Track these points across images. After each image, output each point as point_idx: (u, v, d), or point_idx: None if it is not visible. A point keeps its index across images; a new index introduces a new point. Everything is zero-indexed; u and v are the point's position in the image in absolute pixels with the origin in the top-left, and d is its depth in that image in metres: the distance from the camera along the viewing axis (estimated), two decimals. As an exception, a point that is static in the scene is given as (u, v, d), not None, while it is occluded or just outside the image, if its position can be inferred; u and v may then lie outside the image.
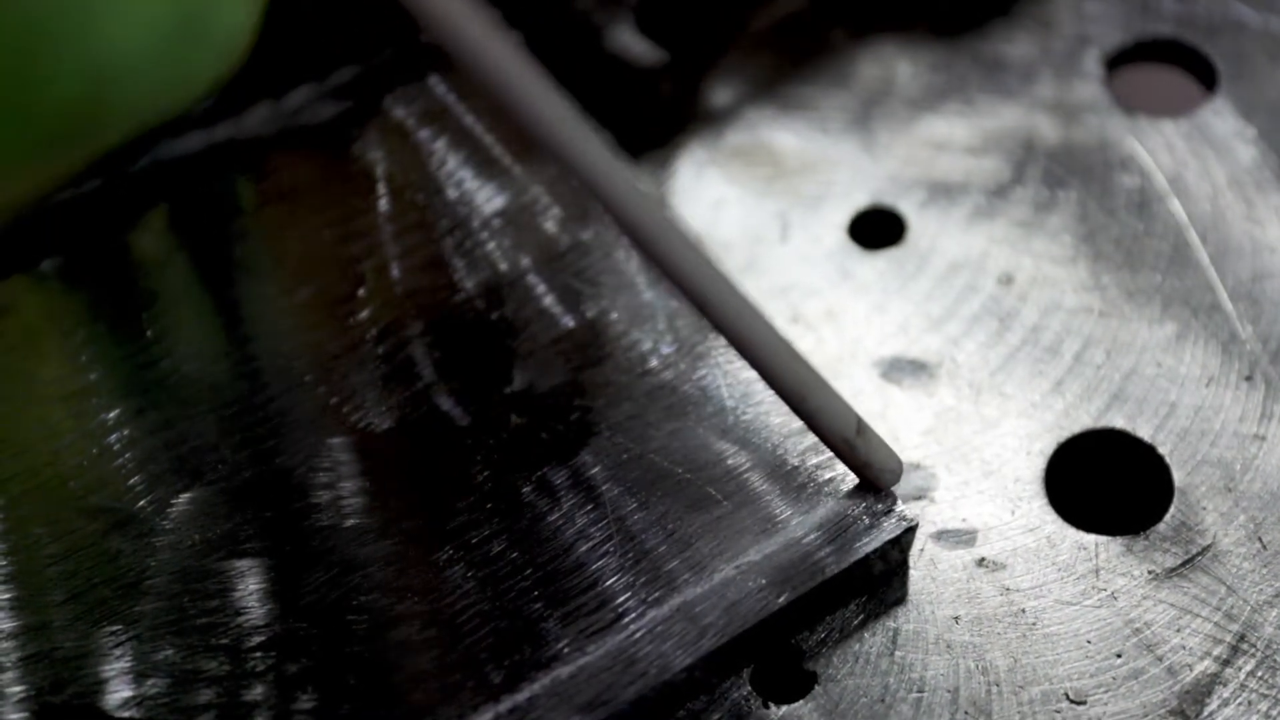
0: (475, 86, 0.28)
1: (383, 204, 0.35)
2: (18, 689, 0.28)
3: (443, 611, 0.29)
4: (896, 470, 0.30)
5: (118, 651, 0.28)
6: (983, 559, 0.31)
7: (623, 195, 0.26)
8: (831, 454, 0.30)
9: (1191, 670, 0.29)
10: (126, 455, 0.31)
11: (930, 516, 0.31)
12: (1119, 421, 0.33)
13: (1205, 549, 0.31)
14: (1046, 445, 0.32)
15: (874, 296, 0.35)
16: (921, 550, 0.31)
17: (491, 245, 0.34)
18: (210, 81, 0.29)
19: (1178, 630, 0.30)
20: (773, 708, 0.29)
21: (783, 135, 0.38)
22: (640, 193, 0.26)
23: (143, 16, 0.26)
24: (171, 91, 0.28)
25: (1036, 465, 0.32)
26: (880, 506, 0.30)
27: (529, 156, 0.35)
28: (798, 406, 0.29)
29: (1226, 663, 0.29)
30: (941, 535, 0.31)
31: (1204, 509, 0.31)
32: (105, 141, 0.29)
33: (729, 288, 0.27)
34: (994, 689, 0.29)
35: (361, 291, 0.33)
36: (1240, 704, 0.29)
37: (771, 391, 0.31)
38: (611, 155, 0.26)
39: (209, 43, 0.28)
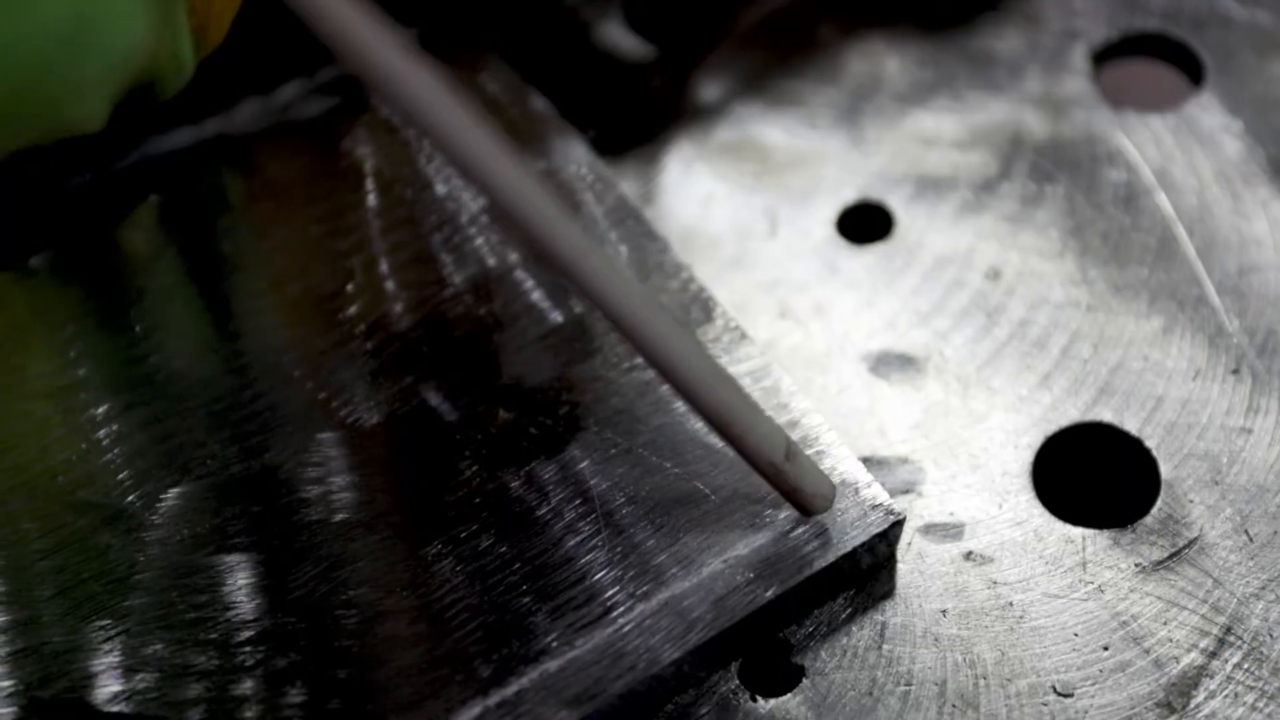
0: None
1: (371, 199, 0.35)
2: (6, 683, 0.28)
3: (431, 606, 0.29)
4: (828, 495, 0.29)
5: (107, 646, 0.28)
6: (970, 552, 0.31)
7: (527, 201, 0.25)
8: (820, 449, 0.30)
9: (1178, 662, 0.29)
10: (115, 450, 0.31)
11: (918, 510, 0.32)
12: (1106, 415, 0.33)
13: (1192, 542, 0.31)
14: (1034, 439, 0.32)
15: (862, 291, 0.35)
16: (909, 544, 0.31)
17: (480, 240, 0.34)
18: (109, 94, 0.29)
19: (1165, 623, 0.30)
20: (761, 701, 0.29)
21: (771, 130, 0.38)
22: (544, 196, 0.25)
23: (39, 23, 0.26)
24: (76, 95, 0.28)
25: (1024, 459, 0.32)
26: (867, 500, 0.30)
27: (517, 152, 0.35)
28: (722, 431, 0.28)
29: (1213, 655, 0.29)
30: (929, 529, 0.31)
31: (1191, 502, 0.31)
32: (18, 138, 0.29)
33: (646, 300, 0.26)
34: (981, 682, 0.29)
35: (350, 287, 0.33)
36: (1227, 696, 0.29)
37: (759, 385, 0.31)
38: (519, 164, 0.25)
39: (102, 52, 0.28)
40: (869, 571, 0.30)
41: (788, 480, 0.29)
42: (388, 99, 0.24)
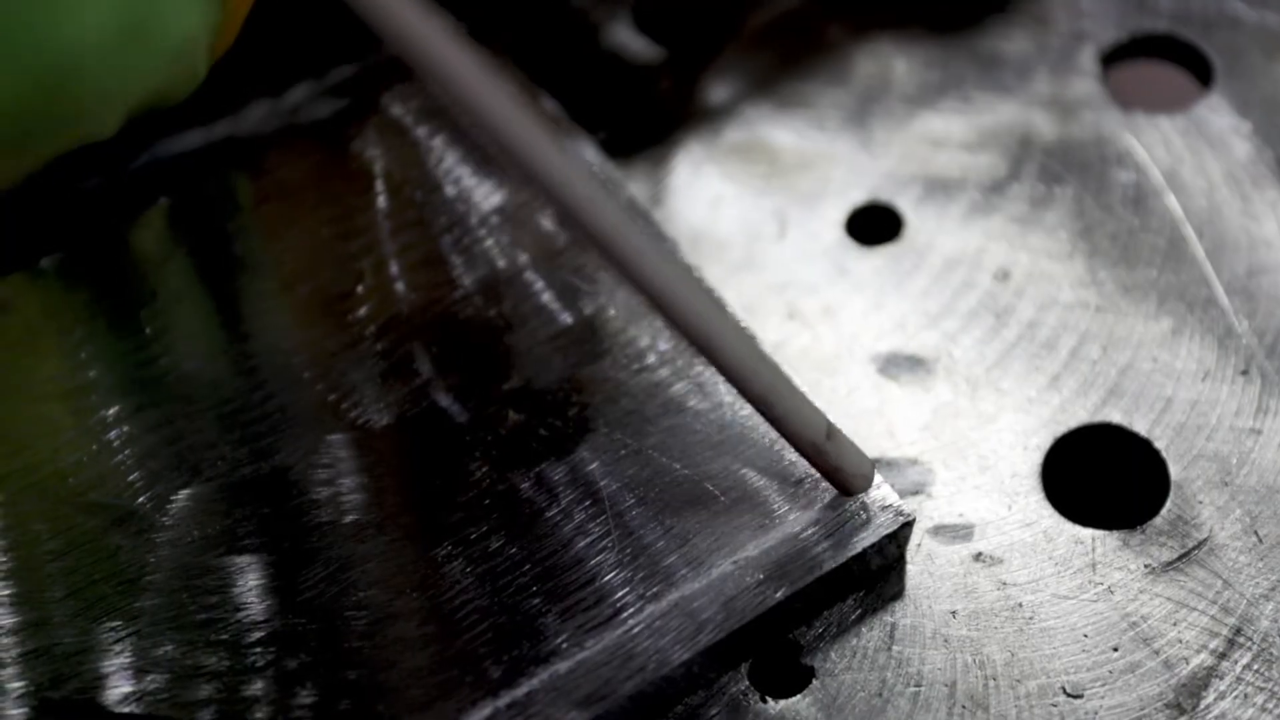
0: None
1: (381, 201, 0.35)
2: (18, 684, 0.28)
3: (441, 607, 0.29)
4: (868, 475, 0.30)
5: (117, 647, 0.28)
6: (980, 554, 0.31)
7: (578, 190, 0.25)
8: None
9: (1188, 663, 0.29)
10: (126, 452, 0.31)
11: (927, 511, 0.32)
12: (1115, 416, 0.33)
13: (1201, 543, 0.31)
14: (1043, 440, 0.32)
15: (871, 293, 0.35)
16: (918, 545, 0.31)
17: (489, 242, 0.34)
18: (161, 87, 0.29)
19: (1174, 624, 0.30)
20: (770, 702, 0.29)
21: (780, 132, 0.38)
22: (598, 187, 0.26)
23: (89, 21, 0.26)
24: (121, 94, 0.28)
25: (1033, 460, 0.32)
26: (877, 501, 0.30)
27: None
28: (766, 411, 0.28)
29: (1223, 656, 0.29)
30: (938, 530, 0.31)
31: (1200, 503, 0.31)
32: (58, 142, 0.29)
33: (693, 286, 0.27)
34: (991, 683, 0.29)
35: (360, 288, 0.33)
36: (1236, 697, 0.29)
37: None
38: (570, 153, 0.25)
39: (156, 48, 0.28)
40: (879, 573, 0.30)
41: (829, 460, 0.29)
42: (435, 84, 0.24)
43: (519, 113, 0.25)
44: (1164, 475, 0.32)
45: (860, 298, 0.35)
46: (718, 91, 0.39)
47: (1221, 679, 0.29)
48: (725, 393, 0.31)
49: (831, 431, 0.29)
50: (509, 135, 0.25)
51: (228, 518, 0.30)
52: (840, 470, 0.29)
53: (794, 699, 0.29)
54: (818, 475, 0.30)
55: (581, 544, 0.29)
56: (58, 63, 0.26)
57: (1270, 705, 0.29)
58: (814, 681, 0.29)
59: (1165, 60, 0.39)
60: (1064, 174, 0.37)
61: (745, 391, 0.28)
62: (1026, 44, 0.39)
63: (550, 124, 0.25)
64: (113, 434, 0.31)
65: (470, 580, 0.29)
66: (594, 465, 0.30)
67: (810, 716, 0.29)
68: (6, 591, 0.29)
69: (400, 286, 0.33)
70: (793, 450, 0.30)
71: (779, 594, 0.29)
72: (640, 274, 0.26)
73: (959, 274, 0.35)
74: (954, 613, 0.30)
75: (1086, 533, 0.31)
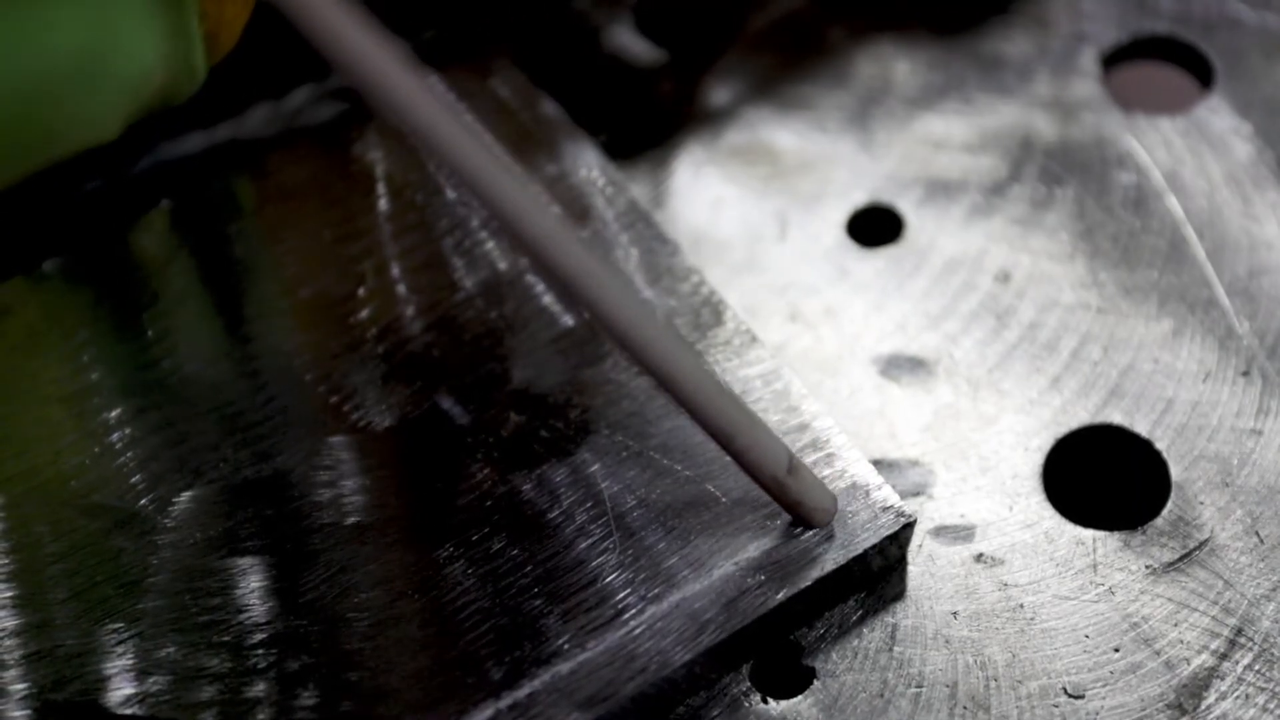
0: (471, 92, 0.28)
1: (382, 204, 0.35)
2: (20, 686, 0.28)
3: (443, 608, 0.29)
4: (830, 509, 0.29)
5: (120, 649, 0.28)
6: (981, 554, 0.31)
7: (531, 219, 0.25)
8: (831, 451, 0.30)
9: (1189, 664, 0.29)
10: (128, 454, 0.31)
11: (929, 512, 0.32)
12: (1116, 417, 0.33)
13: (1203, 543, 0.31)
14: (1044, 441, 0.32)
15: (872, 294, 0.35)
16: (920, 546, 0.31)
17: (491, 245, 0.34)
18: (122, 118, 0.29)
19: (1175, 624, 0.30)
20: (772, 703, 0.29)
21: (781, 134, 0.38)
22: (543, 208, 0.25)
23: (50, 51, 0.26)
24: (84, 122, 0.28)
25: (1034, 461, 0.32)
26: (878, 502, 0.30)
27: (526, 156, 0.35)
28: (726, 445, 0.28)
29: (1224, 656, 0.29)
30: (940, 531, 0.31)
31: (1201, 504, 0.31)
32: (24, 166, 0.29)
33: (651, 319, 0.27)
34: (992, 684, 0.29)
35: (361, 291, 0.33)
36: (1238, 697, 0.29)
37: (770, 388, 0.31)
38: (516, 176, 0.25)
39: (115, 80, 0.28)
40: (880, 574, 0.30)
41: (789, 494, 0.29)
42: (385, 110, 0.24)
43: (469, 137, 0.24)
44: (1165, 476, 0.32)
45: (861, 299, 0.35)
46: (719, 93, 0.39)
47: (1223, 679, 0.29)
48: (726, 394, 0.31)
49: (793, 465, 0.29)
50: (458, 159, 0.25)
51: (230, 520, 0.30)
52: (801, 504, 0.29)
53: (795, 700, 0.29)
54: (819, 476, 0.30)
55: (583, 545, 0.29)
56: (22, 88, 0.27)
57: (1272, 706, 0.29)
58: (815, 682, 0.29)
59: (1166, 62, 0.39)
60: (1065, 175, 0.37)
61: (705, 425, 0.28)
62: (1027, 45, 0.39)
63: (500, 152, 0.25)
64: (115, 436, 0.31)
65: (472, 582, 0.29)
66: (595, 467, 0.30)
67: (811, 717, 0.29)
68: (9, 594, 0.29)
69: (402, 289, 0.33)
70: (794, 451, 0.30)
71: (780, 595, 0.29)
72: (598, 306, 0.26)
73: (960, 275, 0.35)
74: (955, 614, 0.30)
75: (1088, 534, 0.31)
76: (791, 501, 0.29)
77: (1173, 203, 0.36)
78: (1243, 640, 0.30)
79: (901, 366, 0.34)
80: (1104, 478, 0.33)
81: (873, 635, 0.30)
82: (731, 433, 0.28)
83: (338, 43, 0.24)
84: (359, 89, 0.24)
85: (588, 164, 0.35)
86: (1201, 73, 0.39)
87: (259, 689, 0.28)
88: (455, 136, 0.25)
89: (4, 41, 0.26)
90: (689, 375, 0.27)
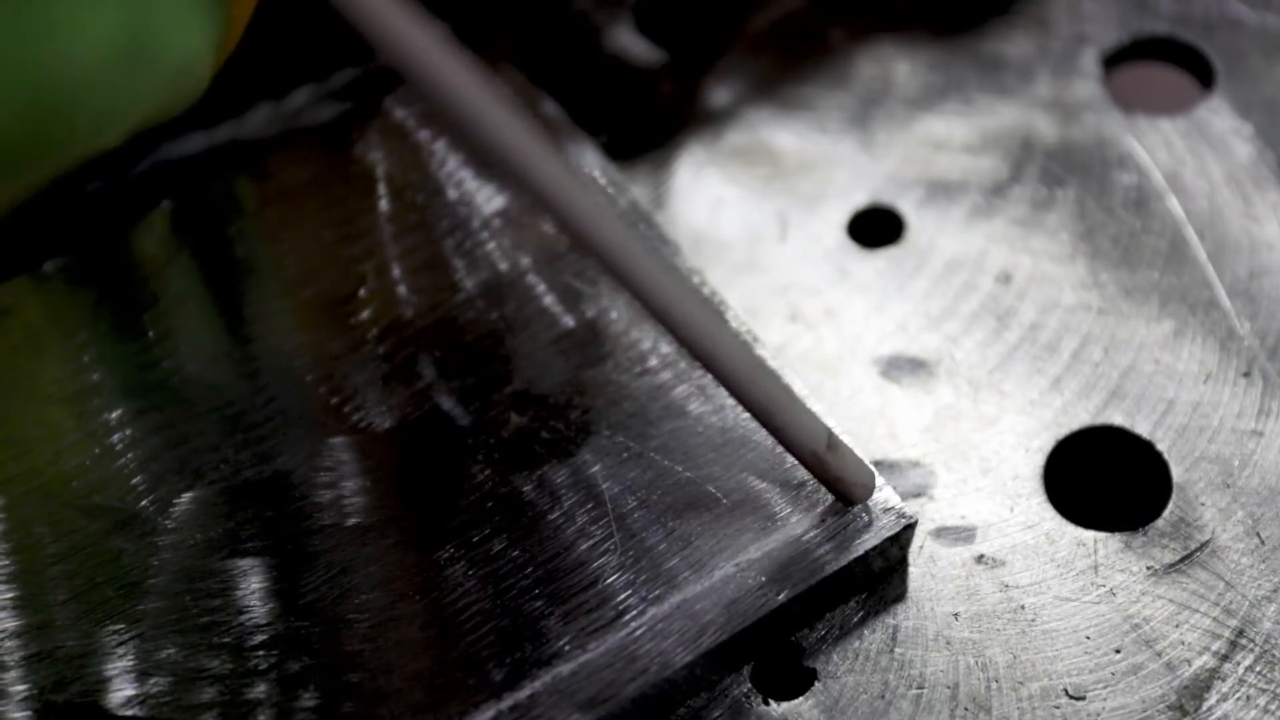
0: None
1: (383, 204, 0.35)
2: (20, 688, 0.28)
3: (443, 610, 0.29)
4: (869, 484, 0.29)
5: (120, 650, 0.28)
6: (982, 556, 0.31)
7: (573, 199, 0.25)
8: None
9: (1190, 665, 0.29)
10: (129, 455, 0.31)
11: (929, 514, 0.32)
12: (1117, 418, 0.33)
13: (1204, 545, 0.31)
14: (1045, 442, 0.32)
15: (873, 295, 0.35)
16: (921, 547, 0.31)
17: (491, 245, 0.34)
18: (161, 107, 0.29)
19: (1176, 625, 0.30)
20: (773, 704, 0.29)
21: (782, 135, 0.38)
22: (595, 195, 0.25)
23: (87, 41, 0.26)
24: (119, 116, 0.28)
25: (1035, 462, 0.32)
26: (879, 503, 0.30)
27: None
28: (765, 421, 0.28)
29: (1225, 658, 0.29)
30: (941, 532, 0.31)
31: (1202, 505, 0.31)
32: (53, 167, 0.29)
33: (691, 295, 0.27)
34: (993, 685, 0.29)
35: (362, 292, 0.33)
36: (1239, 699, 0.29)
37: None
38: (567, 163, 0.25)
39: (157, 68, 0.27)
40: (881, 575, 0.30)
41: (829, 470, 0.29)
42: (424, 92, 0.24)
43: (513, 120, 0.24)
44: (1166, 477, 0.32)
45: (862, 300, 0.35)
46: (719, 94, 0.39)
47: (1224, 681, 0.29)
48: (727, 396, 0.31)
49: (832, 441, 0.29)
50: (503, 143, 0.24)
51: (230, 521, 0.30)
52: (841, 480, 0.29)
53: (796, 701, 0.29)
54: (820, 478, 0.30)
55: (584, 547, 0.29)
56: (55, 84, 0.26)
57: (1273, 707, 0.29)
58: (816, 684, 0.29)
59: (1166, 62, 0.39)
60: (1065, 176, 0.37)
61: (744, 401, 0.28)
62: (1028, 46, 0.39)
63: (546, 131, 0.25)
64: (115, 437, 0.31)
65: (472, 583, 0.29)
66: (596, 468, 0.30)
67: (812, 719, 0.29)
68: (9, 595, 0.29)
69: (402, 290, 0.33)
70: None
71: (781, 596, 0.29)
72: (638, 283, 0.26)
73: (961, 276, 0.35)
74: (956, 615, 0.30)
75: (1089, 535, 0.31)
76: (831, 478, 0.29)
77: (1173, 204, 0.36)
78: (1244, 641, 0.30)
79: (902, 367, 0.34)
80: (1105, 479, 0.33)
81: (874, 636, 0.30)
82: (771, 409, 0.28)
83: (378, 23, 0.24)
84: (401, 71, 0.24)
85: (588, 165, 0.35)
86: (1202, 73, 0.39)
87: (260, 690, 0.28)
88: (491, 115, 0.24)
89: (46, 29, 0.26)
90: (729, 351, 0.27)
